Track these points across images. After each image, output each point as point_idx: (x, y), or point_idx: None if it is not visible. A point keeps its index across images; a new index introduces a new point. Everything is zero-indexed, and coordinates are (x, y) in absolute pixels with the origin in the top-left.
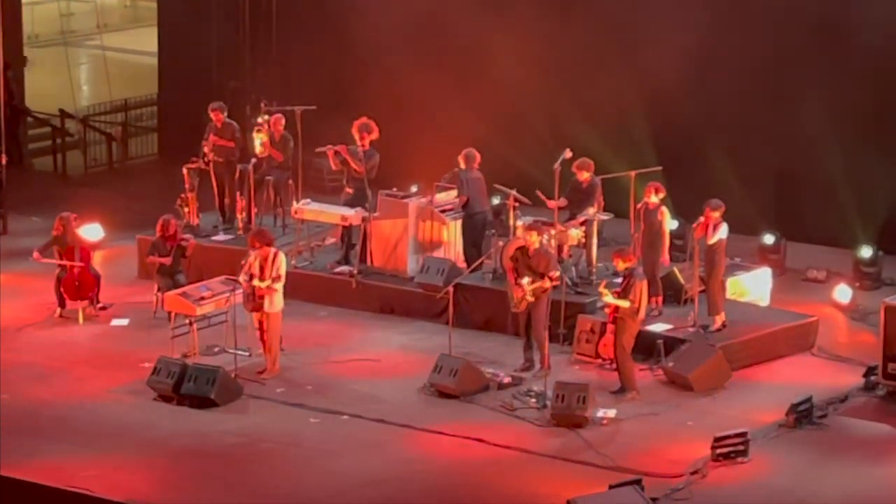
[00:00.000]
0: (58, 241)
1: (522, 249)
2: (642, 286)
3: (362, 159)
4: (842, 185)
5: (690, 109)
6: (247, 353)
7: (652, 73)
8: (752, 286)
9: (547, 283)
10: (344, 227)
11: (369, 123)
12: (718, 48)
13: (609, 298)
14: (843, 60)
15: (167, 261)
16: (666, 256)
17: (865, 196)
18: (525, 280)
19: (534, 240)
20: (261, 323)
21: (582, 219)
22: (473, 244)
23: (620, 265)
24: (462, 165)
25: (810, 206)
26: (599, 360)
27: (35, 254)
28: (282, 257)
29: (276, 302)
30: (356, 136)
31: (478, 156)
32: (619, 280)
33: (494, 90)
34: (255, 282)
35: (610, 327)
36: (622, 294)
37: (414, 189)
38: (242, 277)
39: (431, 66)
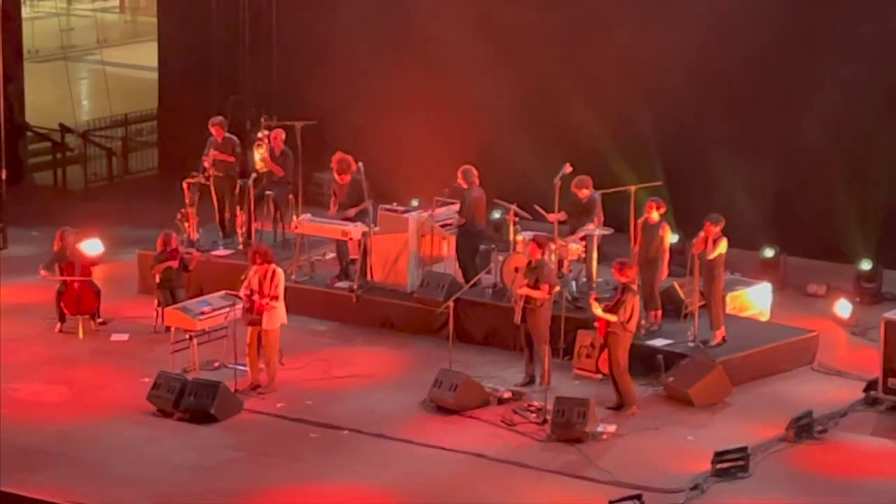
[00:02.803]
0: (58, 256)
1: (528, 264)
2: (635, 302)
3: (362, 194)
4: (842, 200)
5: (690, 123)
6: (247, 368)
7: (653, 88)
8: (753, 301)
9: (541, 293)
10: (338, 242)
11: (346, 159)
12: (719, 63)
13: (599, 311)
14: (844, 75)
15: (175, 263)
16: (665, 272)
17: (865, 211)
18: (523, 288)
19: (535, 252)
20: (254, 339)
21: (582, 234)
22: (470, 261)
23: (619, 278)
24: (463, 185)
25: (810, 220)
26: (599, 375)
27: (42, 271)
28: (280, 275)
29: (274, 319)
30: (336, 176)
31: (475, 172)
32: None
33: (495, 103)
34: (256, 297)
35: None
36: (613, 308)
37: (415, 203)
38: (242, 291)
39: (431, 79)
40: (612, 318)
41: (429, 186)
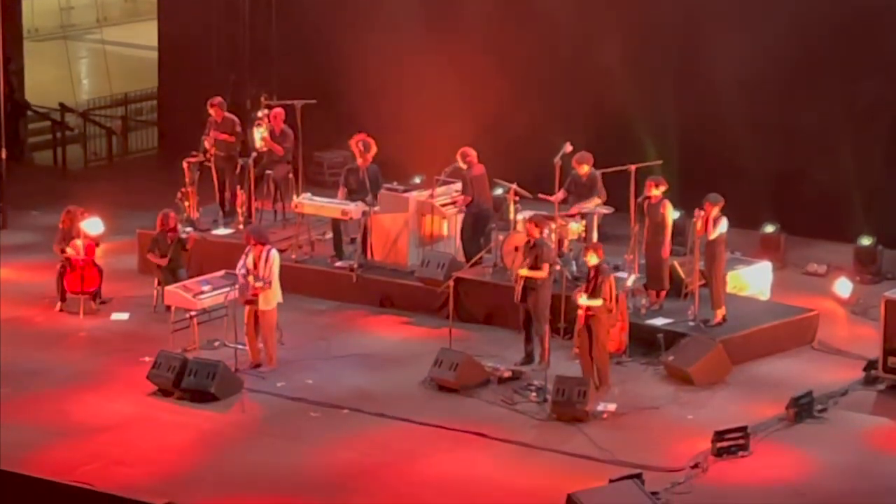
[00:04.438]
0: (65, 235)
1: (526, 243)
2: (610, 280)
3: (377, 184)
4: (842, 179)
5: (692, 102)
6: (247, 348)
7: (655, 67)
8: (753, 280)
9: (541, 273)
10: (335, 221)
11: (368, 142)
12: (722, 42)
13: (583, 300)
14: (847, 56)
15: (163, 262)
16: (668, 250)
17: (866, 190)
18: (523, 270)
19: (533, 232)
20: (251, 318)
21: (577, 209)
22: (475, 240)
23: (593, 260)
24: (462, 165)
25: (811, 200)
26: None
27: (57, 249)
28: (274, 256)
29: (269, 299)
30: (357, 155)
31: (473, 152)
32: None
33: (496, 83)
34: (251, 279)
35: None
36: (592, 292)
37: (417, 180)
38: (238, 270)
39: (432, 58)
40: (597, 302)
41: (432, 163)
